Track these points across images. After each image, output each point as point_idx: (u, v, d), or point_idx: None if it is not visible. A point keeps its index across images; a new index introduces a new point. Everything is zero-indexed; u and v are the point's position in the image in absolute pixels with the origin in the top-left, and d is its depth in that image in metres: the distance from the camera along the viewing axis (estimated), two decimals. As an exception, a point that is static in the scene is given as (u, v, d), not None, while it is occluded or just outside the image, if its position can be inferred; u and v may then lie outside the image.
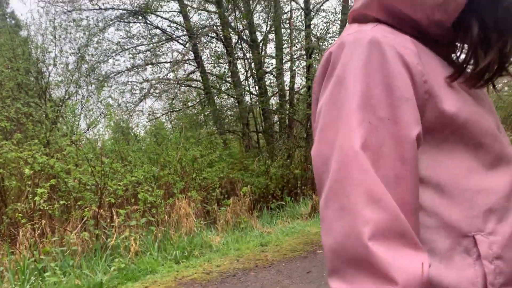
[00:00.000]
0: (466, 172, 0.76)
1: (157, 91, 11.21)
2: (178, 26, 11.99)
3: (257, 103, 11.41)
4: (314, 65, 10.44)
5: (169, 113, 12.80)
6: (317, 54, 10.49)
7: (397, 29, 0.79)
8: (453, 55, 0.86)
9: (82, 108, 9.17)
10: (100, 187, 6.56)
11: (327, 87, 0.76)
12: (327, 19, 11.15)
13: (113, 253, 5.96)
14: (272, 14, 11.58)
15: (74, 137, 7.43)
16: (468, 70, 0.79)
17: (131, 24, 11.46)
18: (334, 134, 0.71)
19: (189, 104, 12.79)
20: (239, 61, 12.23)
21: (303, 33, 10.92)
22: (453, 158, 0.76)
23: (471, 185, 0.76)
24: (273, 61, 11.91)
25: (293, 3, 11.93)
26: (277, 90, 11.44)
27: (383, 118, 0.70)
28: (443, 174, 0.75)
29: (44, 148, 7.60)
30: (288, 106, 11.10)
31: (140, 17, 11.33)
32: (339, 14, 10.87)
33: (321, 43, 10.45)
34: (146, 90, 11.07)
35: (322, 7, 11.43)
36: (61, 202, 6.28)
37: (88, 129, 8.66)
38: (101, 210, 6.57)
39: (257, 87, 11.53)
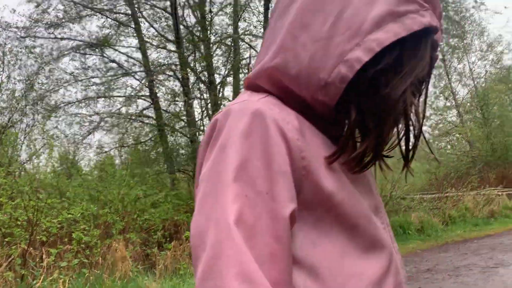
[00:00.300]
0: (340, 255, 0.75)
1: (107, 124, 10.96)
2: (135, 61, 11.93)
3: (211, 144, 11.33)
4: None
5: (119, 148, 12.49)
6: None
7: (286, 103, 0.79)
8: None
9: (25, 138, 8.78)
10: (32, 223, 6.18)
11: (210, 155, 0.74)
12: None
13: (38, 296, 5.55)
14: (232, 59, 11.76)
15: (12, 168, 7.05)
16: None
17: (87, 56, 11.29)
18: (211, 206, 0.68)
19: (141, 140, 12.56)
20: (196, 101, 12.24)
21: (260, 79, 11.10)
22: (328, 238, 0.75)
23: (344, 270, 0.75)
24: (230, 104, 11.98)
25: (252, 50, 12.19)
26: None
27: (261, 192, 0.68)
28: (317, 255, 0.73)
29: (-23, 177, 7.15)
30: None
31: (97, 50, 11.20)
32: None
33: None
34: (95, 123, 10.79)
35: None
36: (-14, 238, 5.86)
37: (28, 160, 8.27)
38: (31, 248, 6.17)
39: (211, 128, 11.50)
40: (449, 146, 15.81)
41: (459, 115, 16.29)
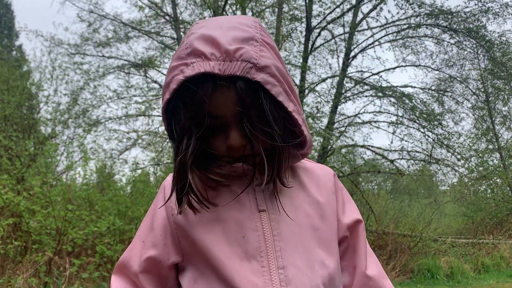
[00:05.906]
0: None
1: (144, 142, 11.26)
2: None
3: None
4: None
5: (154, 166, 12.75)
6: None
7: None
8: None
9: (64, 150, 9.14)
10: (60, 233, 6.40)
11: None
12: (318, 100, 11.34)
13: (57, 305, 5.71)
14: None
15: (48, 178, 7.35)
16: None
17: (130, 75, 11.73)
18: None
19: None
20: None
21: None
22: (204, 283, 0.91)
23: None
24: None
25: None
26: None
27: (139, 237, 0.99)
28: None
29: (17, 184, 7.49)
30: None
31: (140, 70, 11.63)
32: (331, 96, 11.15)
33: (311, 120, 10.67)
34: (133, 140, 11.12)
35: (315, 87, 11.69)
36: (16, 243, 6.09)
37: (65, 172, 8.60)
38: (56, 257, 6.37)
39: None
40: (489, 190, 15.16)
41: (501, 159, 15.66)
